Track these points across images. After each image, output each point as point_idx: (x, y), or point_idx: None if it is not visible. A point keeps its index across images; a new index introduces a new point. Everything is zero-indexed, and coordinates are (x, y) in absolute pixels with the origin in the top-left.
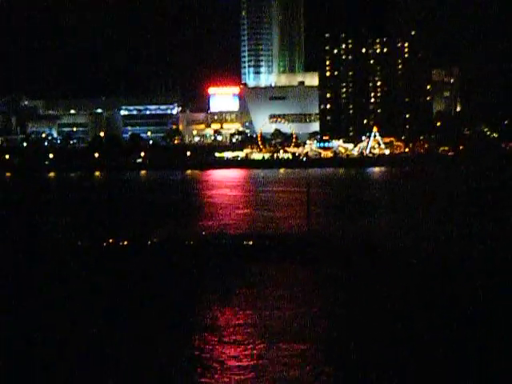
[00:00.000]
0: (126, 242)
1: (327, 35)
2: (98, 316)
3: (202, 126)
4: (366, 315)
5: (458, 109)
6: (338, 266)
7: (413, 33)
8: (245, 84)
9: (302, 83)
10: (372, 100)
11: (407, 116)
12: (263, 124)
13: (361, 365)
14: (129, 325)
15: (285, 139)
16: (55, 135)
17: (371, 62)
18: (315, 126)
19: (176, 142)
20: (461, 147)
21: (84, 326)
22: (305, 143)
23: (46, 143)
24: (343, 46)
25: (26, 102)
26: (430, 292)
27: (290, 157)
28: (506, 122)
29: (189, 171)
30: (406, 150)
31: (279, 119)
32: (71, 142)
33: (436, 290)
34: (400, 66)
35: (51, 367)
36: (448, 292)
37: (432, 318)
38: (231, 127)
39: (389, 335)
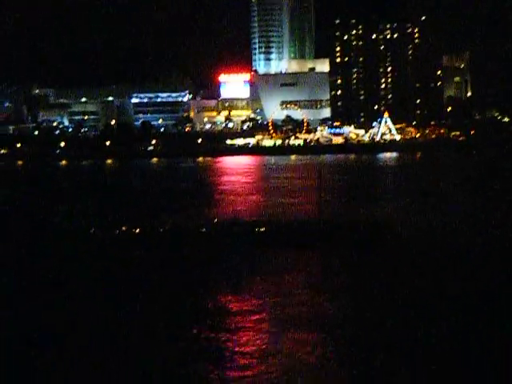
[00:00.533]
0: (138, 230)
1: (337, 21)
2: (109, 302)
3: (213, 114)
4: (376, 302)
5: (469, 94)
6: (348, 252)
7: (423, 18)
8: (255, 71)
9: (312, 69)
10: (383, 86)
11: (418, 101)
12: (274, 111)
13: (369, 352)
14: (140, 311)
15: (296, 126)
16: (66, 123)
17: (381, 47)
18: (326, 112)
19: (187, 129)
20: (472, 132)
21: (94, 313)
22: (316, 129)
23: (57, 131)
24: (353, 31)
25: (37, 91)
26: (440, 278)
27: (301, 143)
28: None
29: (200, 158)
30: (418, 135)
31: (290, 106)
32: (82, 130)
33: (446, 276)
34: (410, 52)
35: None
36: (458, 278)
37: (443, 304)
38: (242, 114)
39: (398, 323)
